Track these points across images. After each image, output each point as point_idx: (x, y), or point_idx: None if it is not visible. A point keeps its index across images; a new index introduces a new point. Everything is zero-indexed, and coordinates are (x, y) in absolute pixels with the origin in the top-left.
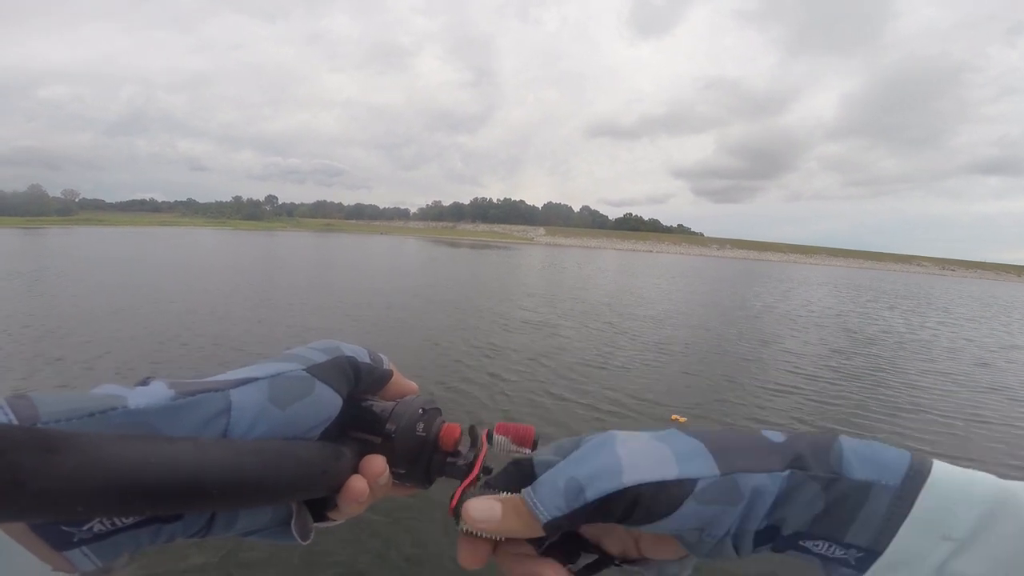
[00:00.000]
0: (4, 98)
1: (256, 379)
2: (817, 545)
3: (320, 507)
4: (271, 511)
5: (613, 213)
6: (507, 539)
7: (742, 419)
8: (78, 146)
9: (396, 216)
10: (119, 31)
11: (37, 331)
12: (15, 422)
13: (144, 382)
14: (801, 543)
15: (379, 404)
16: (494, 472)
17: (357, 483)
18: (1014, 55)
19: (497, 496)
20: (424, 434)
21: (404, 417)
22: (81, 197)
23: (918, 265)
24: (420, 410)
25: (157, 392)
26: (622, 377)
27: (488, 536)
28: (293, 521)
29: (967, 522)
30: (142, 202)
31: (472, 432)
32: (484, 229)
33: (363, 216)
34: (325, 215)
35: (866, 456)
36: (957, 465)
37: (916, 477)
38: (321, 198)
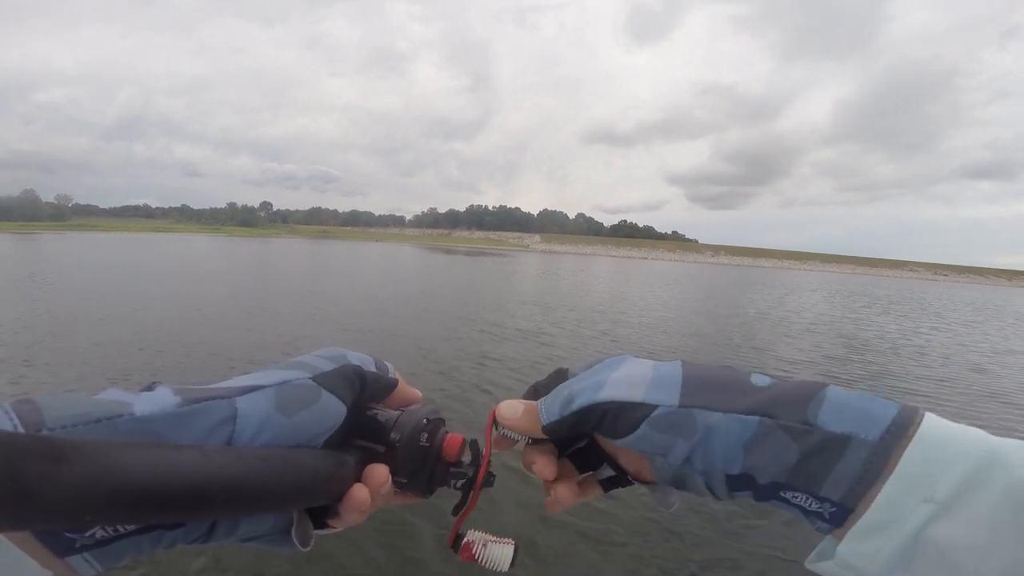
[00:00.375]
0: (0, 101)
1: (262, 387)
2: (796, 497)
3: (321, 514)
4: (273, 518)
5: (608, 220)
6: (533, 440)
7: None
8: (74, 150)
9: (391, 223)
10: (118, 34)
11: (26, 337)
12: (20, 428)
13: (150, 387)
14: (781, 494)
15: (384, 413)
16: (492, 476)
17: (359, 492)
18: (1007, 58)
19: (523, 400)
20: (427, 444)
21: (408, 427)
22: (74, 202)
23: (911, 270)
24: (424, 420)
25: (163, 399)
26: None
27: (514, 436)
28: (294, 528)
29: (950, 483)
30: (136, 208)
31: (474, 447)
32: (480, 236)
33: (358, 223)
34: (320, 222)
35: (848, 407)
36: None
37: (898, 432)
38: (316, 204)
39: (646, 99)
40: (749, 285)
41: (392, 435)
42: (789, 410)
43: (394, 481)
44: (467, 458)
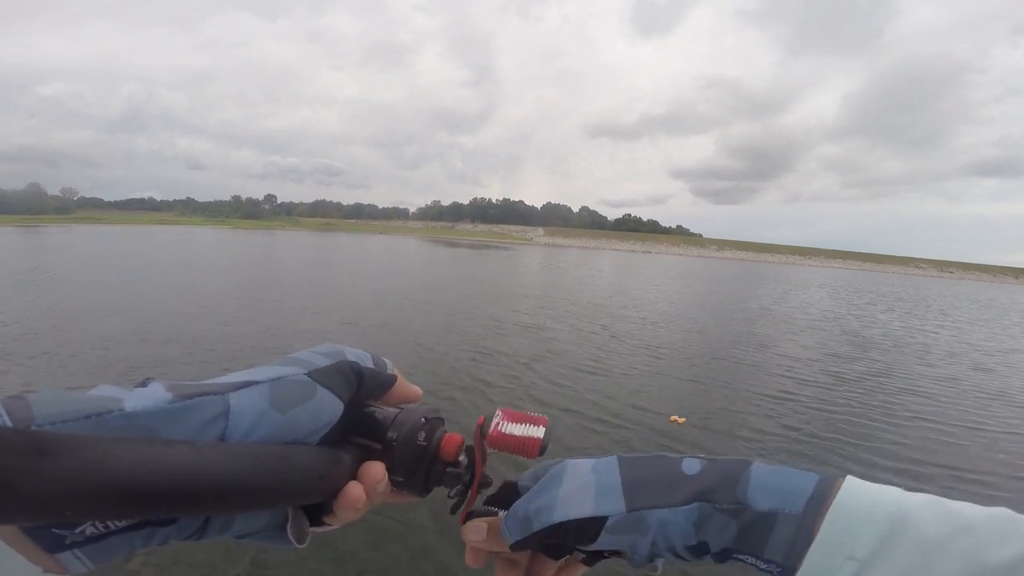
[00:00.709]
0: (4, 95)
1: (257, 383)
2: (747, 558)
3: (316, 511)
4: (267, 515)
5: (612, 214)
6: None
7: (737, 427)
8: (77, 143)
9: (395, 216)
10: (120, 29)
11: (18, 329)
12: (9, 423)
13: (143, 383)
14: (735, 555)
15: (381, 411)
16: (492, 485)
17: (354, 490)
18: (1017, 55)
19: (486, 520)
20: (425, 443)
21: (406, 425)
22: (79, 195)
23: (916, 267)
24: (423, 419)
25: (155, 394)
26: (616, 384)
27: (482, 550)
28: (289, 525)
29: (869, 542)
30: (140, 200)
31: (470, 452)
32: (483, 229)
33: (362, 216)
34: (324, 214)
35: (771, 485)
36: (955, 474)
37: (817, 503)
38: (320, 197)
39: (650, 92)
40: (753, 280)
41: (389, 433)
42: (722, 495)
43: (390, 479)
44: (465, 459)
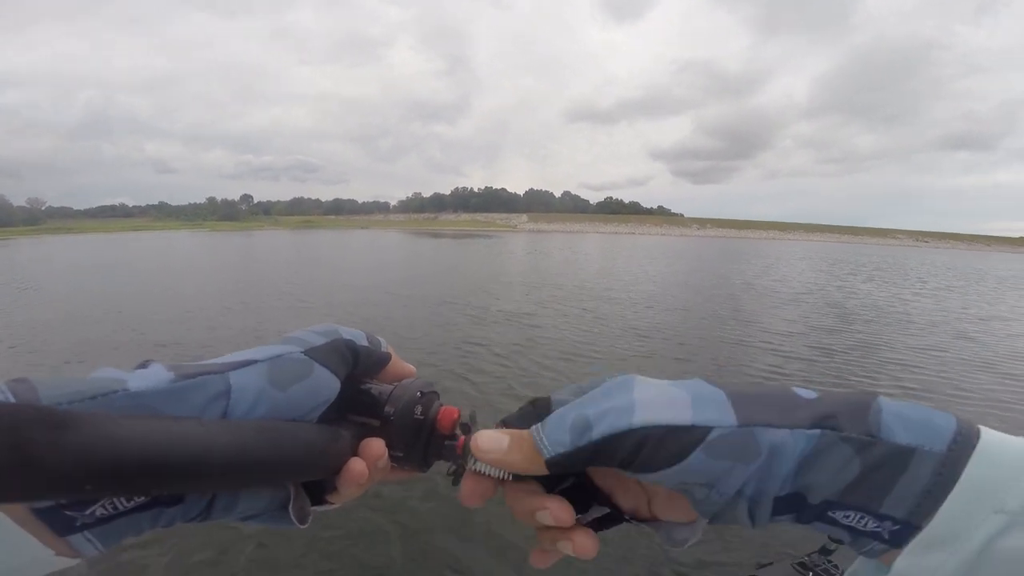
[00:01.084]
0: None
1: (255, 361)
2: (848, 516)
3: (318, 491)
4: (269, 495)
5: (594, 197)
6: (515, 478)
7: None
8: (38, 152)
9: (376, 210)
10: (72, 34)
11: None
12: None
13: (143, 365)
14: (830, 513)
15: (377, 387)
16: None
17: (357, 465)
18: (981, 34)
19: (504, 430)
20: (422, 417)
21: (402, 400)
22: (48, 205)
23: (893, 238)
24: (418, 393)
25: (157, 375)
26: (605, 367)
27: (494, 473)
28: (291, 504)
29: (1022, 494)
30: (112, 207)
31: (472, 418)
32: (466, 218)
33: (342, 211)
34: (303, 212)
35: (909, 418)
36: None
37: (964, 443)
38: (297, 195)
39: (625, 77)
40: (735, 256)
41: (386, 409)
42: (850, 421)
43: (390, 455)
44: (461, 432)
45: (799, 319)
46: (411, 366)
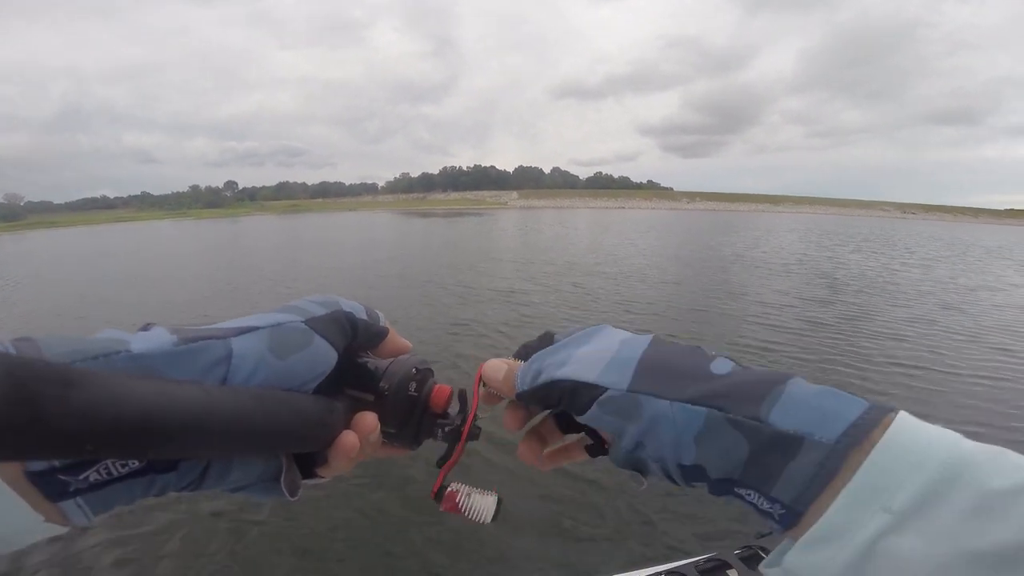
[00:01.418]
0: None
1: (257, 328)
2: (749, 494)
3: (308, 465)
4: (262, 465)
5: (584, 173)
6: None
7: None
8: (13, 147)
9: (363, 192)
10: (41, 27)
11: None
12: None
13: (146, 327)
14: (735, 490)
15: (374, 361)
16: (479, 422)
17: (349, 438)
18: (966, 11)
19: (507, 361)
20: (416, 394)
21: (398, 376)
22: (27, 200)
23: (881, 210)
24: (413, 370)
25: (159, 337)
26: None
27: (495, 392)
28: (283, 476)
29: (911, 493)
30: (93, 200)
31: (462, 396)
32: (456, 197)
33: (329, 194)
34: (289, 196)
35: (807, 404)
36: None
37: (857, 435)
38: (283, 179)
39: (613, 53)
40: (725, 229)
41: (382, 384)
42: (741, 404)
43: (382, 431)
44: (454, 409)
45: (790, 290)
46: (407, 342)
